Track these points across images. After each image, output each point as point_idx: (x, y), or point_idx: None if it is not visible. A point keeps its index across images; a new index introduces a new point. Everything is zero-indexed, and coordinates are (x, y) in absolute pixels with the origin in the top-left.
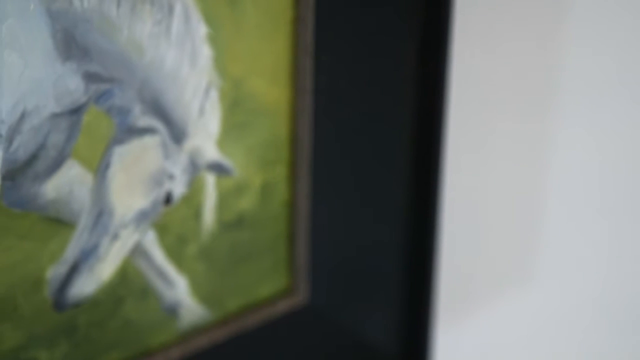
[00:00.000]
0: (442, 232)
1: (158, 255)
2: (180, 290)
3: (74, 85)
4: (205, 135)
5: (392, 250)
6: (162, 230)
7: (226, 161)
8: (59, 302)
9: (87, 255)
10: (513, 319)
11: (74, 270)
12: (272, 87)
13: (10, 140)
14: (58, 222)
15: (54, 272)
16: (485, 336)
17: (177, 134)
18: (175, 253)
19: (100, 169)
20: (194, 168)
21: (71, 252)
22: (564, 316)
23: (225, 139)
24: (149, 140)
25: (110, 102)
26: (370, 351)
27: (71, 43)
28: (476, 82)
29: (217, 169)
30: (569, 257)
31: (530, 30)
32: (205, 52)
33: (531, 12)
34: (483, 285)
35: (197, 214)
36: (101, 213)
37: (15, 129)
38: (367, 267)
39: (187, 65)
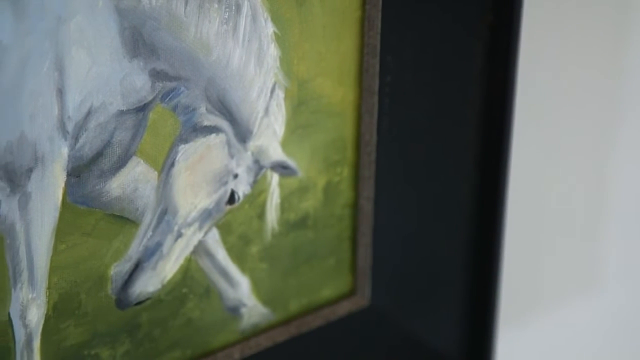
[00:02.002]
0: (506, 235)
1: (221, 254)
2: (242, 290)
3: (140, 83)
4: (270, 135)
5: (454, 253)
6: (225, 229)
7: (291, 161)
8: (122, 299)
9: (151, 254)
10: (576, 324)
11: (137, 268)
12: (338, 88)
13: (76, 137)
14: (122, 219)
15: (118, 269)
16: (547, 341)
17: (242, 134)
18: (238, 253)
19: (165, 167)
20: (258, 168)
21: (135, 249)
22: (629, 322)
23: (290, 139)
24: (214, 139)
25: (177, 101)
26: (431, 353)
27: (138, 41)
28: (542, 83)
29: (282, 169)
30: (635, 262)
31: (597, 30)
32: (272, 52)
33: (598, 11)
34: (546, 290)
35: (260, 214)
36: (165, 211)
37: (81, 126)
38: (430, 269)
39: (254, 64)
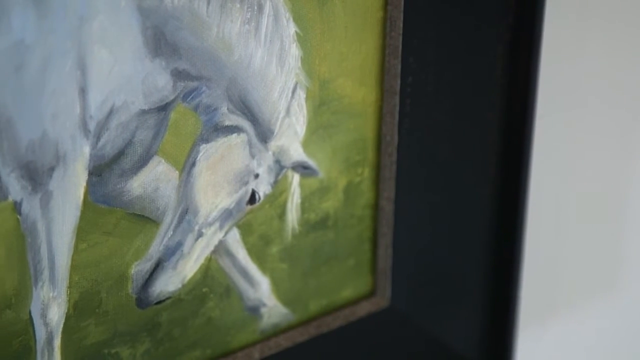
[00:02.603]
0: (526, 236)
1: (242, 254)
2: (263, 290)
3: (162, 82)
4: (292, 135)
5: (475, 254)
6: (245, 229)
7: (312, 161)
8: (142, 298)
9: (171, 253)
10: (596, 325)
11: (157, 267)
12: (359, 88)
13: (98, 136)
14: (143, 218)
15: (138, 268)
16: (567, 342)
17: (263, 134)
18: (258, 252)
19: (186, 167)
20: (279, 168)
21: (155, 249)
22: None
23: (311, 139)
24: (235, 139)
25: (198, 100)
26: (450, 354)
27: (161, 40)
28: (564, 84)
29: (303, 169)
30: None
31: (620, 30)
32: (294, 52)
33: (621, 10)
34: (566, 290)
35: (281, 214)
36: (186, 211)
37: (103, 125)
38: (450, 270)
39: (275, 64)
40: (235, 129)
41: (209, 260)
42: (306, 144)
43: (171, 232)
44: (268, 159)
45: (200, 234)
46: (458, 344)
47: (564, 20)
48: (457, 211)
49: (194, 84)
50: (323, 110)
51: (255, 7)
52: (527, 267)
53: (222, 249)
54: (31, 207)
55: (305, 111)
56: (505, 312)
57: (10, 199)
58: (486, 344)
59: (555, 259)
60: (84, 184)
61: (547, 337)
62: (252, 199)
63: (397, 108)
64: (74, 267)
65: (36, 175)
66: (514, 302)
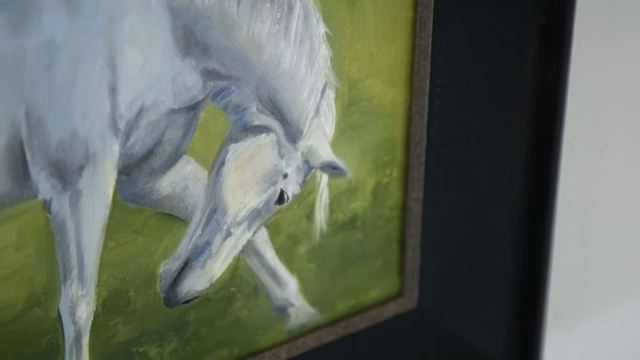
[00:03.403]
0: (555, 237)
1: (270, 254)
2: (290, 290)
3: (192, 82)
4: (321, 136)
5: (502, 255)
6: (274, 229)
7: (340, 162)
8: (170, 298)
9: (200, 252)
10: (624, 328)
11: (186, 266)
12: (389, 89)
13: (127, 135)
14: (172, 218)
15: (166, 267)
16: (595, 345)
17: (292, 133)
18: (286, 252)
19: (215, 166)
20: (308, 168)
21: (184, 248)
22: None
23: (340, 139)
24: (264, 139)
25: (228, 100)
26: (477, 356)
27: (191, 39)
28: (595, 85)
29: (331, 169)
30: None
31: None
32: (323, 52)
33: None
34: (595, 293)
35: (309, 214)
36: (214, 210)
37: (133, 124)
38: (477, 272)
39: (305, 64)
40: (264, 129)
41: (237, 259)
42: (335, 144)
43: (200, 232)
44: (297, 159)
45: (228, 234)
46: (485, 346)
47: (594, 21)
48: (485, 213)
49: (224, 83)
50: (352, 110)
51: (286, 7)
52: (555, 269)
53: (250, 248)
54: (61, 205)
55: (334, 111)
56: (533, 314)
57: (40, 197)
58: (513, 346)
59: (583, 261)
60: (113, 182)
61: (575, 340)
62: (281, 199)
63: (426, 109)
64: (102, 266)
65: (66, 174)
66: (541, 304)
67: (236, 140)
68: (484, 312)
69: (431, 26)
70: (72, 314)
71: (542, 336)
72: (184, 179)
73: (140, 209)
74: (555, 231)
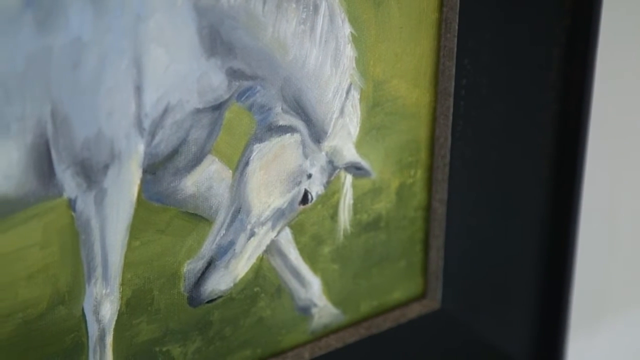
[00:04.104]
0: (578, 239)
1: (294, 254)
2: (314, 290)
3: (217, 82)
4: (345, 136)
5: (526, 257)
6: (298, 229)
7: (365, 162)
8: (194, 297)
9: (224, 252)
10: None
11: (209, 266)
12: (413, 90)
13: (152, 135)
14: (196, 217)
15: (190, 267)
16: (618, 346)
17: (317, 134)
18: (310, 253)
19: (239, 166)
20: (332, 168)
21: (208, 248)
22: None
23: (364, 140)
24: (288, 139)
25: (253, 100)
26: (500, 357)
27: (216, 39)
28: (620, 87)
29: (356, 169)
30: None
31: None
32: (349, 53)
33: None
34: (618, 295)
35: (333, 215)
36: (239, 210)
37: (158, 124)
38: (501, 273)
39: (330, 65)
40: (289, 129)
41: (260, 259)
42: (359, 145)
43: (224, 231)
44: (321, 159)
45: (252, 234)
46: (508, 347)
47: (620, 22)
48: (509, 214)
49: (249, 83)
50: (377, 111)
51: (311, 8)
52: (579, 270)
53: (274, 248)
54: (86, 204)
55: (359, 112)
56: (556, 315)
57: (65, 196)
58: (536, 348)
59: (606, 263)
60: (138, 181)
61: (598, 342)
62: (305, 199)
63: (451, 110)
64: (127, 265)
65: (91, 173)
66: (565, 305)
67: (261, 140)
68: (507, 313)
69: (456, 27)
70: (96, 312)
71: (565, 337)
72: (208, 178)
73: (165, 208)
74: (579, 232)
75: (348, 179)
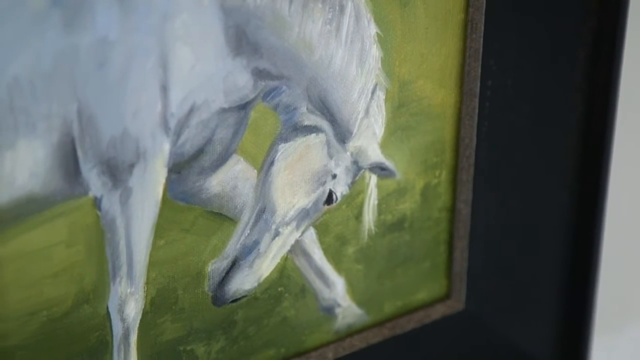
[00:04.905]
0: (603, 239)
1: (318, 254)
2: (338, 291)
3: (243, 81)
4: (370, 136)
5: (551, 258)
6: (322, 229)
7: (389, 163)
8: (218, 296)
9: (248, 252)
10: None
11: (234, 265)
12: (439, 90)
13: (178, 134)
14: (220, 217)
15: (215, 266)
16: None
17: (342, 134)
18: (334, 253)
19: (264, 166)
20: (357, 168)
21: (232, 247)
22: None
23: (389, 140)
24: (313, 139)
25: (278, 100)
26: (525, 358)
27: (242, 39)
28: None
29: (380, 170)
30: None
31: None
32: (374, 53)
33: None
34: None
35: (357, 215)
36: (263, 210)
37: (183, 123)
38: (525, 274)
39: (356, 65)
40: (314, 129)
41: (285, 259)
42: (384, 145)
43: (248, 231)
44: (346, 159)
45: (277, 233)
46: (532, 348)
47: None
48: (533, 215)
49: (275, 83)
50: (402, 111)
51: (337, 8)
52: (604, 272)
53: (298, 248)
54: (111, 203)
55: (384, 112)
56: (581, 317)
57: (91, 194)
58: (560, 349)
59: (631, 263)
60: (163, 181)
61: (622, 343)
62: (330, 199)
63: (476, 111)
64: (151, 264)
65: (116, 172)
66: (589, 307)
67: (286, 140)
68: (531, 314)
69: (482, 28)
70: (121, 311)
71: (589, 338)
72: (233, 178)
73: (190, 208)
74: (604, 233)
75: (373, 179)
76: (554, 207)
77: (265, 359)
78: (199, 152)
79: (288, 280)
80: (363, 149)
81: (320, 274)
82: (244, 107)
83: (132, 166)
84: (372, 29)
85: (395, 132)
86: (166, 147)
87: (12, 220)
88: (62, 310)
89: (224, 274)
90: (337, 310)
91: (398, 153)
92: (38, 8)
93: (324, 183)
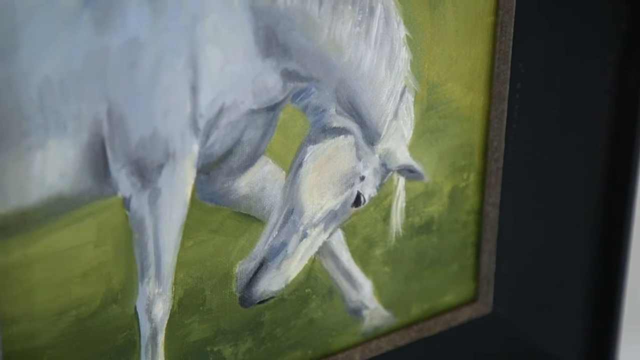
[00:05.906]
0: (631, 244)
1: (345, 256)
2: (365, 293)
3: (272, 83)
4: (399, 139)
5: (579, 262)
6: (350, 231)
7: (418, 165)
8: (246, 297)
9: (276, 253)
10: None
11: (261, 266)
12: (468, 93)
13: (207, 135)
14: (249, 218)
15: (242, 267)
16: None
17: (371, 136)
18: (361, 255)
19: (293, 168)
20: (385, 171)
21: (260, 248)
22: None
23: (418, 142)
24: (342, 141)
25: (307, 101)
26: None
27: (272, 40)
28: None
29: (409, 172)
30: None
31: None
32: (403, 55)
33: None
34: None
35: (385, 217)
36: (291, 211)
37: (213, 124)
38: (553, 278)
39: (385, 67)
40: (342, 131)
41: (312, 261)
42: (413, 148)
43: (276, 232)
44: (374, 161)
45: (304, 235)
46: (559, 351)
47: None
48: (562, 218)
49: (304, 84)
50: (431, 114)
51: (367, 10)
52: (632, 275)
53: (326, 250)
54: (140, 203)
55: (412, 115)
56: (609, 320)
57: (120, 194)
58: (588, 353)
59: None
60: (192, 181)
61: None
62: (357, 201)
63: (505, 114)
64: (179, 264)
65: (146, 172)
66: (617, 311)
67: (314, 142)
68: (559, 318)
69: (512, 31)
70: (149, 311)
71: (617, 342)
72: (262, 179)
73: (218, 209)
74: (632, 237)
75: (401, 181)
76: (582, 210)
77: None
78: (228, 153)
79: (315, 282)
80: (391, 151)
81: (348, 275)
82: (273, 108)
83: (161, 167)
84: (402, 32)
85: (424, 134)
86: (195, 147)
87: (42, 220)
88: (90, 309)
89: (251, 275)
90: (365, 312)
91: (426, 155)
92: (69, 8)
93: (352, 185)
